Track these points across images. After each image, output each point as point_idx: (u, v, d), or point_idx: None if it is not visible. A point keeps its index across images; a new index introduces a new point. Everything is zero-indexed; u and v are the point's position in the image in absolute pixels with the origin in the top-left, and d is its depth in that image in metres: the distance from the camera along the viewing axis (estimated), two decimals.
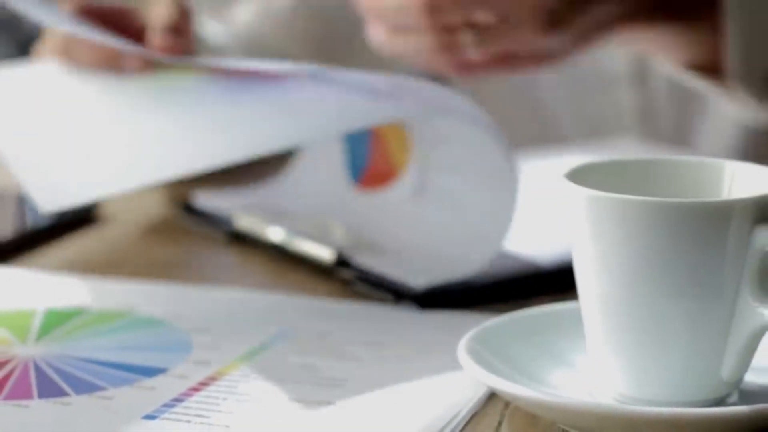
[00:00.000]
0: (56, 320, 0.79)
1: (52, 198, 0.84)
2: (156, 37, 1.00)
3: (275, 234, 0.92)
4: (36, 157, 0.89)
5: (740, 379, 0.65)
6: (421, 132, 0.89)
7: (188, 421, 0.66)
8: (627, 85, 1.27)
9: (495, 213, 0.83)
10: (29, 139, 0.92)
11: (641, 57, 1.26)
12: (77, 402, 0.68)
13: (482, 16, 0.96)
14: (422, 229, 0.89)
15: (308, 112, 0.88)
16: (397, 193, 0.91)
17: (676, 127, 1.27)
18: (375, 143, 0.93)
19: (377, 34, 1.00)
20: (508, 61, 1.00)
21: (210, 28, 1.26)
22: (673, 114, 1.27)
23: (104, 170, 0.88)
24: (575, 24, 0.98)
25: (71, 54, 1.03)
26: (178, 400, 0.68)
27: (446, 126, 0.87)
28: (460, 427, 0.65)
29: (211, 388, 0.70)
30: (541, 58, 1.00)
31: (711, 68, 1.04)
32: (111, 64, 1.00)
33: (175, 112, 0.93)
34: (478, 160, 0.85)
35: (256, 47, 1.28)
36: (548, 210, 0.95)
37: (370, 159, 0.94)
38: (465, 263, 0.83)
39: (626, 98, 1.29)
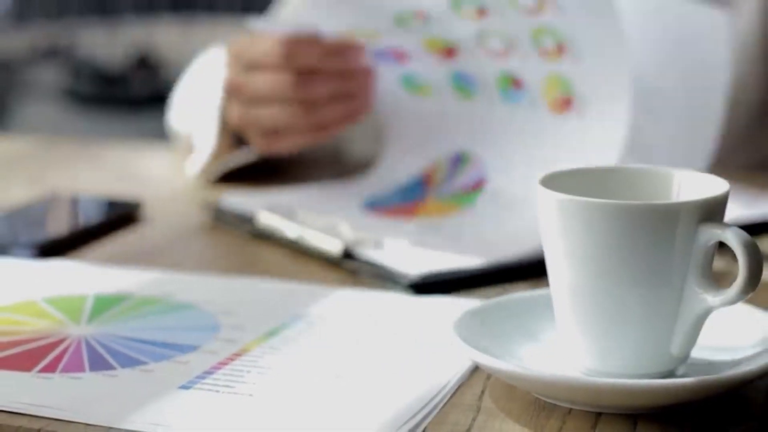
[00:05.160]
0: (104, 305, 0.79)
1: None
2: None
3: (291, 231, 0.93)
4: None
5: (687, 355, 0.65)
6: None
7: (217, 391, 0.66)
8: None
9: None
10: None
11: None
12: (123, 374, 0.68)
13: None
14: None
15: None
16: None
17: None
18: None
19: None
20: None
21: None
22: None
23: None
24: None
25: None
26: (208, 372, 0.68)
27: None
28: (448, 396, 0.65)
29: (237, 362, 0.70)
30: None
31: None
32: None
33: None
34: None
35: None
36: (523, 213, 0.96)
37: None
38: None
39: None
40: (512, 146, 0.95)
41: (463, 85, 0.96)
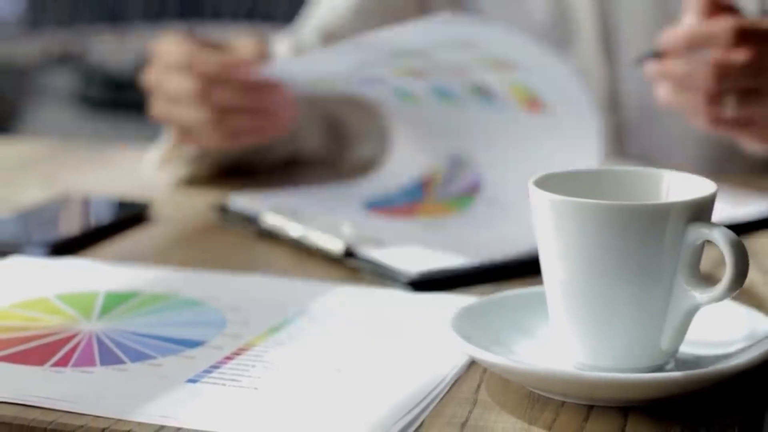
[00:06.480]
0: (115, 301, 0.79)
1: None
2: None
3: (295, 230, 0.93)
4: None
5: (676, 350, 0.65)
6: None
7: (223, 384, 0.66)
8: (601, 111, 1.26)
9: None
10: None
11: (614, 88, 1.25)
12: (132, 368, 0.68)
13: (752, 83, 0.95)
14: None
15: None
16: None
17: (641, 148, 1.25)
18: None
19: (665, 92, 0.98)
20: (747, 126, 0.99)
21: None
22: (640, 136, 1.25)
23: None
24: None
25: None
26: (215, 367, 0.68)
27: None
28: (446, 389, 0.65)
29: (242, 357, 0.70)
30: None
31: None
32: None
33: None
34: None
35: None
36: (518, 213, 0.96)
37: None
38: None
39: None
40: (503, 146, 0.96)
41: (443, 94, 0.97)
